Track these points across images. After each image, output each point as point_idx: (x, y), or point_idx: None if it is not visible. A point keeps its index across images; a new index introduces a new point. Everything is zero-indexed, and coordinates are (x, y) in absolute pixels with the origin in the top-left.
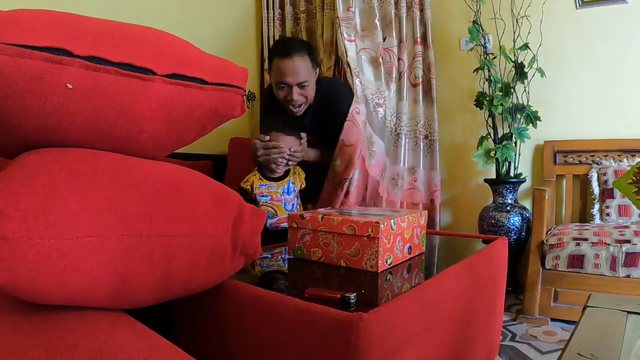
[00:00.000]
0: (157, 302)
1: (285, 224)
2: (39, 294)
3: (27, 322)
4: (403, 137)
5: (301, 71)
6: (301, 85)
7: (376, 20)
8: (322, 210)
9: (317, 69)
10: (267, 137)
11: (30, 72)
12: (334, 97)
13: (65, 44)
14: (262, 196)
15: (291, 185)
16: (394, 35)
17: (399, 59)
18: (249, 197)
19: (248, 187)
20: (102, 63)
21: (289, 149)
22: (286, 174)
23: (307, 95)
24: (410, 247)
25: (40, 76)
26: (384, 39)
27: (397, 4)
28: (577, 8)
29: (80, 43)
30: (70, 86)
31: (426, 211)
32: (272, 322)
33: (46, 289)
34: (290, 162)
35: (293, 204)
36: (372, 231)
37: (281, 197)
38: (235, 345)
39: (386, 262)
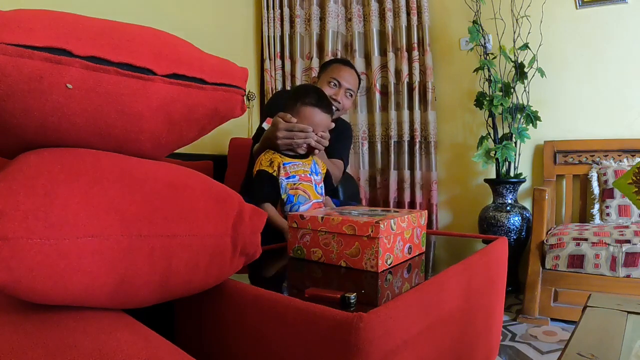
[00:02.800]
0: (157, 302)
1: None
2: (39, 294)
3: (27, 322)
4: (393, 143)
5: (352, 82)
6: (347, 92)
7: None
8: (322, 210)
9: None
10: (294, 119)
11: (30, 72)
12: (346, 131)
13: (65, 44)
14: (289, 177)
15: (317, 165)
16: (391, 49)
17: (396, 71)
18: (273, 182)
19: (274, 170)
20: (102, 63)
21: (318, 133)
22: (308, 152)
23: (344, 105)
24: (410, 247)
25: (40, 76)
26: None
27: (396, 15)
28: (577, 8)
29: (80, 43)
30: (70, 86)
31: (426, 211)
32: (272, 322)
33: (46, 289)
34: (316, 150)
35: (322, 187)
36: (372, 231)
37: (310, 177)
38: (235, 345)
39: (386, 262)
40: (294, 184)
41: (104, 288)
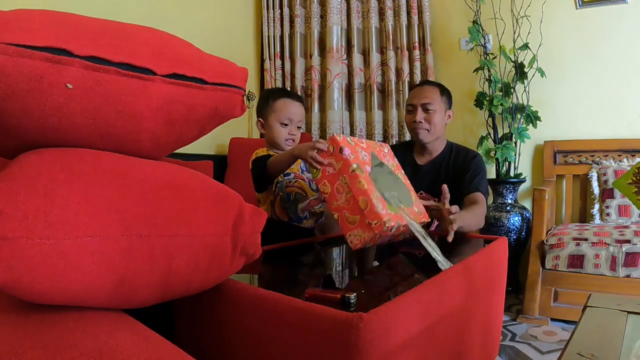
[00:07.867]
0: (157, 302)
1: (317, 207)
2: (39, 293)
3: (27, 322)
4: (394, 142)
5: (427, 95)
6: (425, 108)
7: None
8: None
9: (449, 109)
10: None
11: (30, 72)
12: (477, 165)
13: (65, 44)
14: (285, 175)
15: (304, 163)
16: (391, 47)
17: (396, 70)
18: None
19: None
20: (102, 63)
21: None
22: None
23: (430, 121)
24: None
25: (40, 76)
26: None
27: (396, 14)
28: (577, 8)
29: (80, 43)
30: (70, 86)
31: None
32: (272, 322)
33: (46, 288)
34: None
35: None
36: (376, 223)
37: (303, 175)
38: (235, 345)
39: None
40: (290, 182)
41: (103, 288)
